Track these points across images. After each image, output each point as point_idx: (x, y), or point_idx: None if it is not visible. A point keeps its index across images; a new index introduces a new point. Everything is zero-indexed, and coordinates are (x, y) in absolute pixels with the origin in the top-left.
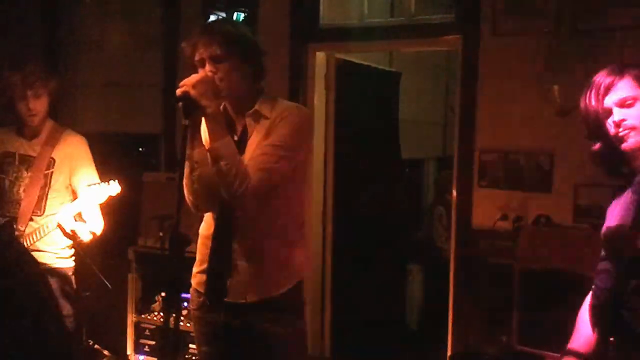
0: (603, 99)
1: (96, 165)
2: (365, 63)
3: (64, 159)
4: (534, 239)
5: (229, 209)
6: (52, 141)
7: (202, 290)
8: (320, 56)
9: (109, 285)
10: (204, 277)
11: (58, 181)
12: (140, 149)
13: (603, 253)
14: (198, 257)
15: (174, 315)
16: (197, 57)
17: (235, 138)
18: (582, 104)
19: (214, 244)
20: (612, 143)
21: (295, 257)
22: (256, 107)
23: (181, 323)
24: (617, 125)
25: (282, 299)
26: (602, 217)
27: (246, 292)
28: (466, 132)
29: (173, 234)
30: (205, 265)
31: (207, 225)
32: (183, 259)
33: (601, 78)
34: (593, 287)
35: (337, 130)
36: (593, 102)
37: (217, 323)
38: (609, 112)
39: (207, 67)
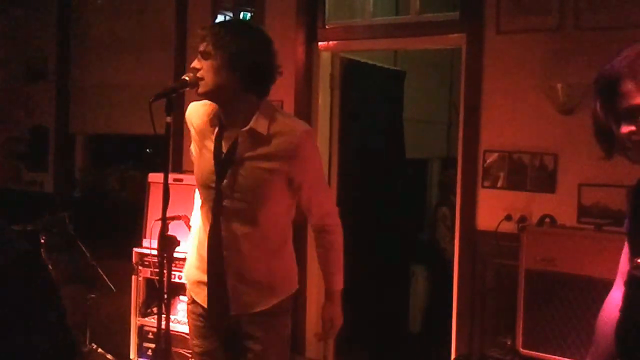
0: None
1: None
2: (370, 62)
3: None
4: (538, 239)
5: (217, 225)
6: None
7: (195, 294)
8: (326, 55)
9: (113, 288)
10: (195, 279)
11: None
12: (148, 150)
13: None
14: (191, 258)
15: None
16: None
17: (224, 150)
18: None
19: (208, 261)
20: None
21: (282, 277)
22: (251, 124)
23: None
24: None
25: (263, 312)
26: (606, 217)
27: (230, 306)
28: (470, 132)
29: (161, 236)
30: (198, 270)
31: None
32: (172, 260)
33: None
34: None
35: (341, 129)
36: None
37: (207, 320)
38: None
39: (195, 60)
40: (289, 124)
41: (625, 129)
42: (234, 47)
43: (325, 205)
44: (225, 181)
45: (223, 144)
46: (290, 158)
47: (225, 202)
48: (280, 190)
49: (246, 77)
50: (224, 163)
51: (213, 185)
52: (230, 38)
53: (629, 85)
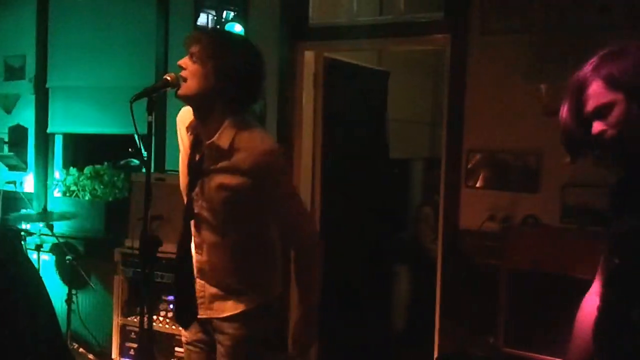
0: None
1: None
2: (354, 62)
3: None
4: (521, 239)
5: (188, 232)
6: None
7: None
8: (309, 55)
9: (93, 286)
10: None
11: None
12: (130, 150)
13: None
14: None
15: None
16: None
17: (196, 159)
18: None
19: (177, 264)
20: None
21: (252, 286)
22: (215, 137)
23: (167, 326)
24: None
25: (231, 317)
26: (589, 217)
27: (197, 309)
28: (454, 132)
29: (143, 236)
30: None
31: None
32: (154, 259)
33: None
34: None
35: (325, 129)
36: None
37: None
38: None
39: (185, 58)
40: (252, 140)
41: (597, 128)
42: (225, 58)
43: (296, 224)
44: (196, 189)
45: (196, 153)
46: (249, 175)
47: (196, 209)
48: (243, 205)
49: (230, 90)
50: (195, 172)
51: (186, 191)
52: (225, 48)
53: (594, 86)
